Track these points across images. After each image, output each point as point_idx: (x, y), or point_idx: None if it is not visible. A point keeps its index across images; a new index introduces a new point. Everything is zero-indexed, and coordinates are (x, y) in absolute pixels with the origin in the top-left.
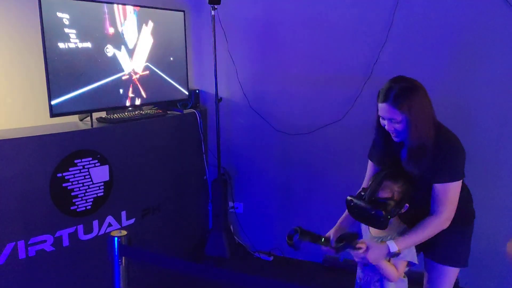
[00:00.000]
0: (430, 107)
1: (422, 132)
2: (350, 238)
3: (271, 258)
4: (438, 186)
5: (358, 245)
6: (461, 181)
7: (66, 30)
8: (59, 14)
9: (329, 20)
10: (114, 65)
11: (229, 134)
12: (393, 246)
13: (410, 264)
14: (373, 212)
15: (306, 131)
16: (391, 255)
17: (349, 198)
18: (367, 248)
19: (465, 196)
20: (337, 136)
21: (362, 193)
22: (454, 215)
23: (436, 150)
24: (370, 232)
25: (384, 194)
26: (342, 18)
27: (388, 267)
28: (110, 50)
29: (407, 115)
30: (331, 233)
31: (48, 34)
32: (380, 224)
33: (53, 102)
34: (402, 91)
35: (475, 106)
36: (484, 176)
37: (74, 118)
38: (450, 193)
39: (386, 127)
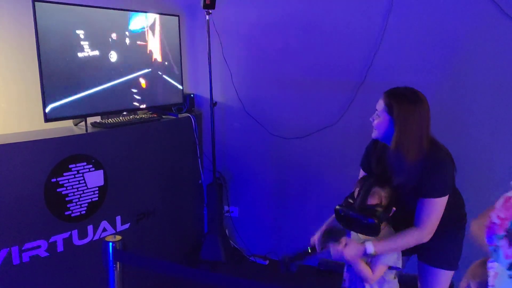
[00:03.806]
0: (421, 125)
1: (403, 144)
2: (336, 234)
3: (267, 262)
4: (423, 200)
5: (341, 240)
6: (447, 196)
7: (61, 34)
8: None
9: (323, 25)
10: (108, 70)
11: (224, 138)
12: (370, 248)
13: (393, 268)
14: (365, 221)
15: (301, 135)
16: (367, 256)
17: (338, 207)
18: (346, 244)
19: (457, 201)
20: (332, 140)
21: (351, 201)
22: (446, 220)
23: (425, 166)
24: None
25: (373, 200)
26: (336, 22)
27: (361, 267)
28: (104, 54)
29: (387, 112)
30: (315, 239)
31: (42, 37)
32: (372, 231)
33: (47, 110)
34: (398, 93)
35: (468, 110)
36: (476, 179)
37: (69, 123)
38: (434, 208)
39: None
